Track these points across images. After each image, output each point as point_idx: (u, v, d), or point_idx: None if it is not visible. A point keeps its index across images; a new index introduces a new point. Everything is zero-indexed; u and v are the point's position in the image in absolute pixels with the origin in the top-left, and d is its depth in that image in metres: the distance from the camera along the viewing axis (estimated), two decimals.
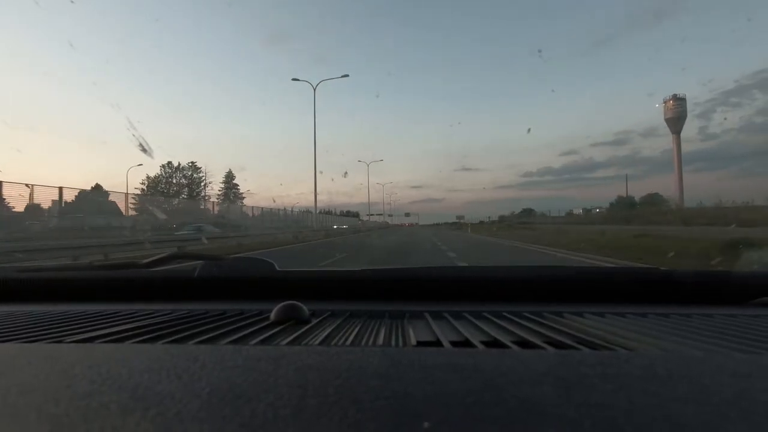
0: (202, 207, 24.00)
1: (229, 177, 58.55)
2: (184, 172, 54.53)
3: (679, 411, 0.31)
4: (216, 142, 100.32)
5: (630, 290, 0.85)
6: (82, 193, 13.32)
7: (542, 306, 0.77)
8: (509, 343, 0.56)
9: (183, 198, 43.48)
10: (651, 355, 0.47)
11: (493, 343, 0.57)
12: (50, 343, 0.56)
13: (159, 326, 0.63)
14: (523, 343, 0.56)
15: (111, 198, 15.90)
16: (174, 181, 54.17)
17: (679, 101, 66.95)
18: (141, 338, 0.58)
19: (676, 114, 66.48)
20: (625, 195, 70.89)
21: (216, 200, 47.41)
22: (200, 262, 0.96)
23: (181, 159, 55.06)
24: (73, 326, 0.65)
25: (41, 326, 0.65)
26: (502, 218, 77.71)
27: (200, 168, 55.09)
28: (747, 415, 0.30)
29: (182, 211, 19.43)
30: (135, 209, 16.85)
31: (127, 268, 1.01)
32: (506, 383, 0.36)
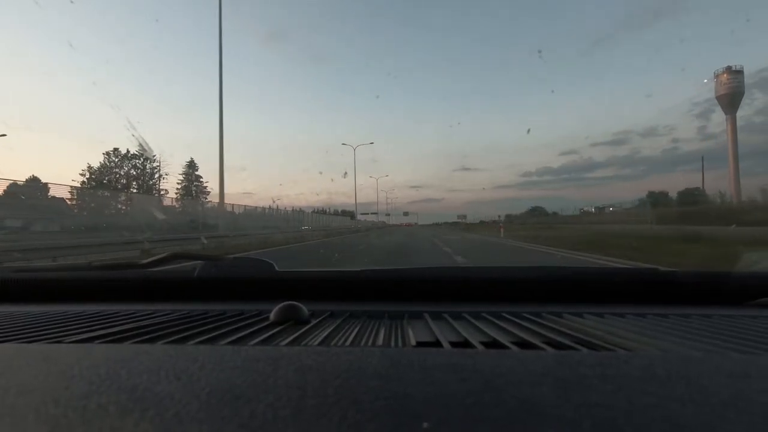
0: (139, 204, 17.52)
1: (191, 168, 49.60)
2: (134, 161, 45.63)
3: (677, 411, 0.31)
4: (215, 142, 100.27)
5: (629, 291, 0.85)
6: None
7: (541, 306, 0.77)
8: (508, 344, 0.56)
9: (134, 192, 37.54)
10: (650, 356, 0.47)
11: (492, 344, 0.57)
12: (49, 343, 0.56)
13: (158, 327, 0.63)
14: (523, 344, 0.56)
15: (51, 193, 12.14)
16: (122, 172, 45.56)
17: (735, 74, 54.10)
18: (140, 339, 0.58)
19: (731, 90, 53.70)
20: (656, 191, 58.18)
21: (176, 195, 40.91)
22: (200, 262, 0.96)
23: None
24: (72, 326, 0.65)
25: (40, 326, 0.65)
26: (509, 217, 75.81)
27: (155, 157, 46.39)
28: (745, 416, 0.30)
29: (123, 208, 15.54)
30: (75, 206, 14.44)
31: (126, 268, 1.01)
32: (505, 384, 0.36)
